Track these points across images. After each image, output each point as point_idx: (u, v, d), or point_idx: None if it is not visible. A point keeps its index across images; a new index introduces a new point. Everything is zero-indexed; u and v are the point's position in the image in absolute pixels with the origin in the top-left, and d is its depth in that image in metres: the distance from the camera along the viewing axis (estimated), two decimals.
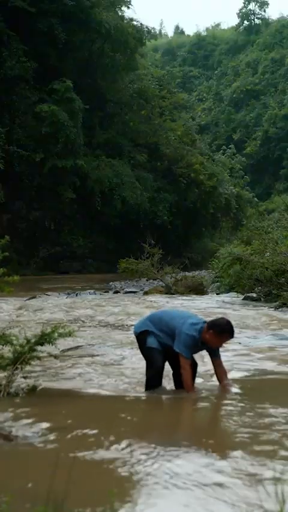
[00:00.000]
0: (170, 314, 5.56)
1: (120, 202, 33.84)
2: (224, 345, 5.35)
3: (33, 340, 5.26)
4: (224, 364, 6.74)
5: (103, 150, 35.92)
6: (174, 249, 31.75)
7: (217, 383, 5.65)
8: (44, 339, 5.23)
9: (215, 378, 6.00)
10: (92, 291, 19.18)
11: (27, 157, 30.41)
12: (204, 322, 5.28)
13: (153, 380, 5.39)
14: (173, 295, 17.09)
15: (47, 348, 5.36)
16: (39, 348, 5.28)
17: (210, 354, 5.41)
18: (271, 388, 5.64)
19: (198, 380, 5.73)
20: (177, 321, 5.30)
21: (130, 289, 19.66)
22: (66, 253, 32.57)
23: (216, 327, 5.18)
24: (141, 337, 5.44)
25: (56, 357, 5.50)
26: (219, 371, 5.44)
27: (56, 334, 5.27)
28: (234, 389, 5.48)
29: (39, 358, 5.37)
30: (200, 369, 6.31)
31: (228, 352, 7.53)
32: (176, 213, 38.22)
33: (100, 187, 33.48)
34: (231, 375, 6.14)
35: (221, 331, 5.17)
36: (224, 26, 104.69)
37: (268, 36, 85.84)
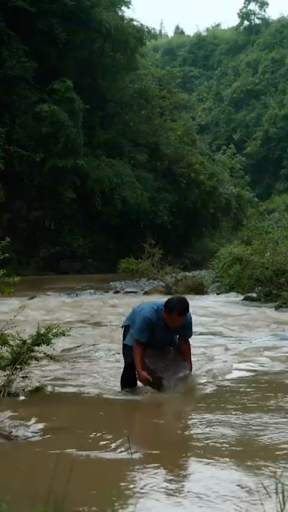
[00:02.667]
0: (145, 303, 5.48)
1: (120, 202, 33.80)
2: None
3: (29, 341, 5.26)
4: (224, 364, 6.72)
5: (103, 150, 35.88)
6: (175, 248, 31.68)
7: (220, 382, 5.66)
8: (41, 339, 5.23)
9: (220, 377, 6.01)
10: (92, 290, 19.17)
11: (27, 157, 30.37)
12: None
13: (123, 376, 5.41)
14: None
15: (45, 349, 5.36)
16: (36, 348, 5.28)
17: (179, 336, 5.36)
18: (271, 387, 5.64)
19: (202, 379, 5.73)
20: (141, 308, 5.23)
21: (130, 289, 19.63)
22: (66, 253, 32.52)
23: (167, 304, 5.05)
24: (124, 333, 5.46)
25: (52, 357, 5.47)
26: (184, 354, 5.40)
27: (51, 335, 5.27)
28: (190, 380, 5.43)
29: (37, 359, 5.37)
30: (198, 369, 6.30)
31: (228, 352, 7.54)
32: (176, 213, 38.17)
33: (100, 187, 33.44)
34: (231, 375, 6.15)
35: (169, 308, 5.03)
36: (224, 26, 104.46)
37: (268, 36, 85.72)
